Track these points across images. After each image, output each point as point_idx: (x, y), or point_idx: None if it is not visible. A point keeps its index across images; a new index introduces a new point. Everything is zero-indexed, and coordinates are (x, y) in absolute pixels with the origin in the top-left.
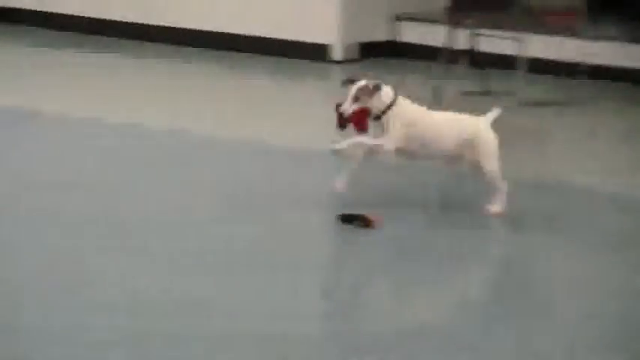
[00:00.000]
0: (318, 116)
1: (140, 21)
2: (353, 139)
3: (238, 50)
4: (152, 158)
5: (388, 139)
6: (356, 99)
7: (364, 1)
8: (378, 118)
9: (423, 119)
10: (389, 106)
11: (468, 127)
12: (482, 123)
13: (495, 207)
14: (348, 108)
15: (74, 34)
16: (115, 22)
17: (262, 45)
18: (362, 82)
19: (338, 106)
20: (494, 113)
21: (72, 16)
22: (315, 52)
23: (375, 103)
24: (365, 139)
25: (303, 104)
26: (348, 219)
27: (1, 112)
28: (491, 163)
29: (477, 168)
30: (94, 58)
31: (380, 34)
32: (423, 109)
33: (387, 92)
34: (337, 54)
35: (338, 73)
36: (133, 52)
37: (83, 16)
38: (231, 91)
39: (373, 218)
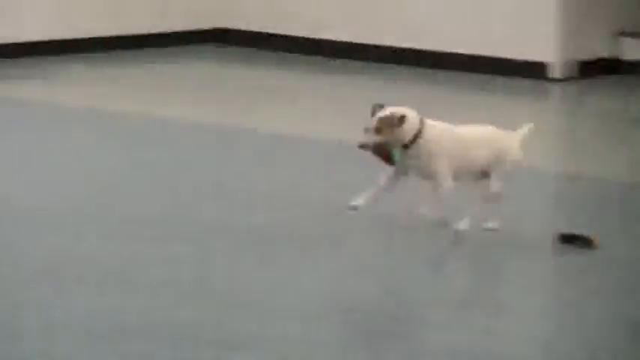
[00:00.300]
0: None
1: (363, 41)
2: (428, 201)
3: (449, 69)
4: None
5: (442, 178)
6: (378, 130)
7: (585, 16)
8: (405, 147)
9: (458, 139)
10: (416, 135)
11: (500, 142)
12: (513, 139)
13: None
14: (369, 141)
15: (299, 55)
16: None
17: (474, 62)
18: (385, 112)
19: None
20: (525, 129)
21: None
22: (531, 70)
23: (400, 136)
24: (436, 199)
25: (520, 123)
26: (568, 239)
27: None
28: (500, 183)
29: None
30: (341, 80)
31: (601, 51)
32: (451, 127)
33: (412, 119)
34: (556, 72)
35: (557, 92)
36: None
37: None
38: (444, 109)
39: (593, 238)
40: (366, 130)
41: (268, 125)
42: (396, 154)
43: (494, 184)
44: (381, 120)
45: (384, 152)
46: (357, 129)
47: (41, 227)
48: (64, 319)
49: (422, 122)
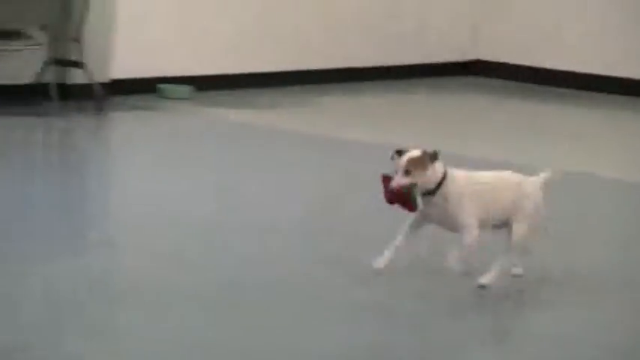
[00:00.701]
0: None
1: None
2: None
3: None
4: None
5: (468, 227)
6: (407, 172)
7: None
8: (429, 193)
9: (482, 185)
10: (441, 182)
11: (521, 187)
12: (532, 184)
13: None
14: (399, 181)
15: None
16: None
17: None
18: (416, 152)
19: (386, 178)
20: (546, 175)
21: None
22: None
23: (431, 178)
24: (462, 251)
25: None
26: None
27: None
28: (523, 230)
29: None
30: None
31: None
32: (473, 173)
33: (436, 164)
34: None
35: None
36: None
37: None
38: None
39: None
40: (386, 178)
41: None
42: (419, 199)
43: (517, 231)
44: (412, 160)
45: (406, 198)
46: None
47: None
48: None
49: (445, 167)
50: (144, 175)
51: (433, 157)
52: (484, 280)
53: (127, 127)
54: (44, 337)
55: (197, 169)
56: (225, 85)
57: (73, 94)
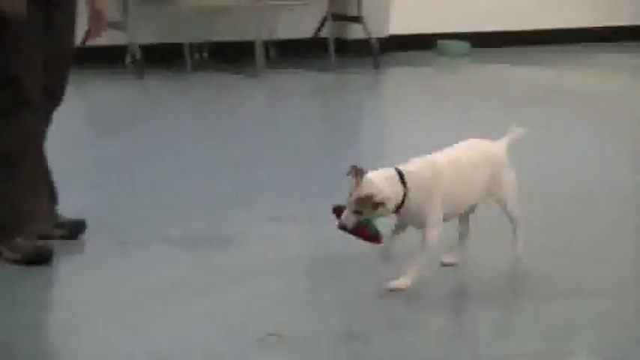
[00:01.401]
0: None
1: None
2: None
3: None
4: None
5: (431, 229)
6: (356, 212)
7: None
8: (396, 211)
9: (448, 176)
10: (403, 199)
11: (491, 159)
12: (500, 149)
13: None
14: (348, 222)
15: None
16: None
17: None
18: (363, 192)
19: (337, 210)
20: (513, 134)
21: None
22: None
23: (386, 208)
24: (419, 261)
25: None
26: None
27: None
28: (514, 201)
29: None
30: None
31: None
32: (433, 161)
33: (392, 184)
34: None
35: None
36: None
37: None
38: None
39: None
40: (337, 209)
41: None
42: (380, 223)
43: (512, 209)
44: (359, 201)
45: (363, 232)
46: None
47: None
48: None
49: (403, 178)
50: (419, 130)
51: (382, 203)
52: (523, 258)
53: (404, 83)
54: None
55: (478, 124)
56: (503, 42)
57: (350, 49)
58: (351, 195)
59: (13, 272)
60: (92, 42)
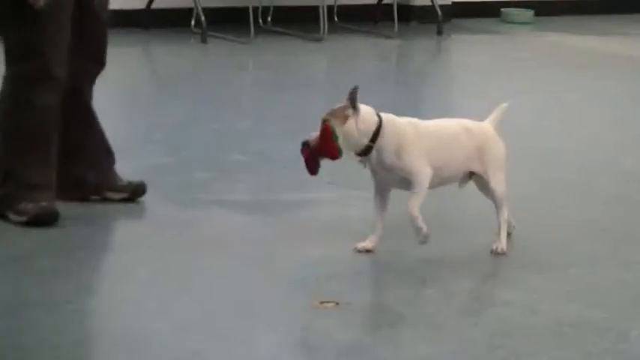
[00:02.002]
0: None
1: None
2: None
3: None
4: None
5: (418, 171)
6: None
7: None
8: (365, 153)
9: (432, 135)
10: (375, 134)
11: (474, 131)
12: (488, 126)
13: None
14: (314, 134)
15: None
16: None
17: None
18: (335, 107)
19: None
20: (499, 111)
21: None
22: None
23: (356, 132)
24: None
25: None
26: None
27: None
28: (498, 179)
29: (481, 185)
30: None
31: None
32: (416, 120)
33: (367, 114)
34: None
35: None
36: None
37: None
38: None
39: None
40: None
41: None
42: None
43: (492, 184)
44: (333, 111)
45: (324, 143)
46: None
47: None
48: None
49: (379, 116)
50: (479, 97)
51: (352, 100)
52: (498, 246)
53: (467, 50)
54: None
55: (539, 94)
56: (568, 10)
57: (414, 15)
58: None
59: (72, 236)
60: (158, 4)
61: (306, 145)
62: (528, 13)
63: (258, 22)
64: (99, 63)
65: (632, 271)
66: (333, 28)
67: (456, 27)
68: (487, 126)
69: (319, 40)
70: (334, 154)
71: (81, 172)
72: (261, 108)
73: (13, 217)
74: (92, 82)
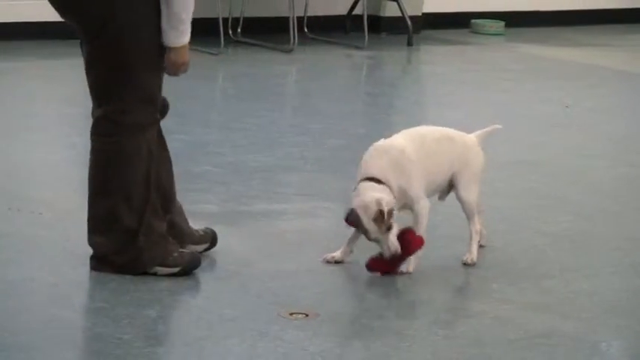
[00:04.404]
0: None
1: None
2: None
3: None
4: None
5: (418, 202)
6: (389, 228)
7: None
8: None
9: (413, 150)
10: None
11: (455, 139)
12: (472, 138)
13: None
14: (394, 243)
15: None
16: None
17: None
18: (370, 211)
19: (375, 261)
20: (490, 129)
21: None
22: None
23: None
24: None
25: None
26: None
27: None
28: (470, 190)
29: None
30: None
31: None
32: (391, 144)
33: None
34: None
35: None
36: None
37: None
38: None
39: None
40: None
41: None
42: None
43: (464, 193)
44: (377, 220)
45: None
46: None
47: None
48: None
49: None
50: (450, 107)
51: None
52: (469, 257)
53: (437, 61)
54: None
55: (510, 105)
56: (539, 21)
57: (385, 26)
58: (370, 230)
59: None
60: None
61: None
62: (499, 25)
63: (228, 33)
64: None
65: (604, 282)
66: (303, 39)
67: (427, 38)
68: (471, 137)
69: (289, 51)
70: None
71: (177, 220)
72: (231, 119)
73: (162, 270)
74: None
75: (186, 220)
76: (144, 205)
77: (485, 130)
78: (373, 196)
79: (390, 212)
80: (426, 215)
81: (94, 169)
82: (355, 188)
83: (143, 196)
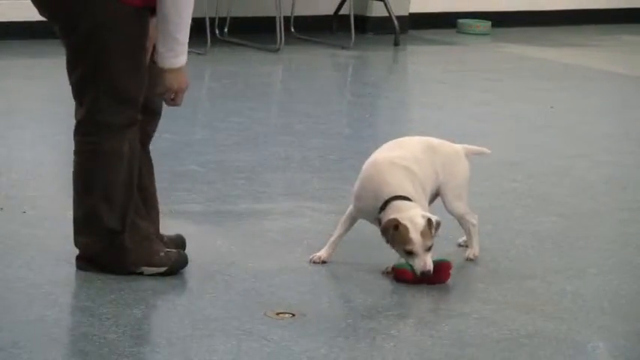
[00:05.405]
0: None
1: None
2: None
3: None
4: None
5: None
6: (429, 248)
7: None
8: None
9: (415, 167)
10: None
11: (439, 149)
12: (457, 147)
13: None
14: (430, 263)
15: None
16: None
17: None
18: (420, 224)
19: (401, 272)
20: (478, 148)
21: None
22: None
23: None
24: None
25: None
26: None
27: None
28: (455, 198)
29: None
30: None
31: None
32: (389, 159)
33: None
34: None
35: None
36: None
37: None
38: None
39: None
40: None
41: None
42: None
43: (451, 206)
44: (425, 235)
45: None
46: None
47: None
48: None
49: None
50: (436, 108)
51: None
52: (471, 252)
53: (424, 61)
54: None
55: (496, 105)
56: (525, 22)
57: (371, 26)
58: (412, 242)
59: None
60: None
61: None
62: (485, 25)
63: (215, 33)
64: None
65: (587, 282)
66: (290, 39)
67: (413, 38)
68: (456, 147)
69: (276, 50)
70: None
71: (155, 224)
72: (217, 118)
73: (148, 270)
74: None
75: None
76: (126, 206)
77: (474, 147)
78: (417, 211)
79: (438, 225)
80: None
81: (76, 169)
82: (383, 209)
83: (125, 197)
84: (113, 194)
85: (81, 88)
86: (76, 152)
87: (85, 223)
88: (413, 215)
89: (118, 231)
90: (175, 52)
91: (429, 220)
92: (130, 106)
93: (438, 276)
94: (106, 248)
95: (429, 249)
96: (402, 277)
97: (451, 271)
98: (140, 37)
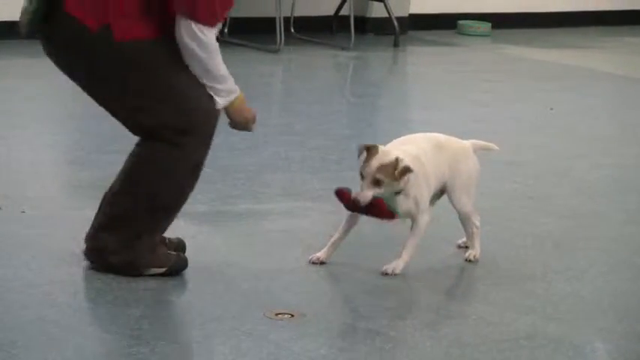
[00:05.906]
0: None
1: None
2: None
3: None
4: None
5: (421, 212)
6: (377, 182)
7: None
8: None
9: (425, 159)
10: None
11: (447, 146)
12: (466, 144)
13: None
14: (365, 197)
15: None
16: None
17: None
18: (388, 156)
19: (342, 192)
20: (487, 144)
21: None
22: None
23: (400, 184)
24: (412, 243)
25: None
26: None
27: None
28: (463, 197)
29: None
30: None
31: None
32: (404, 149)
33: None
34: None
35: None
36: None
37: None
38: None
39: None
40: (342, 192)
41: None
42: (391, 202)
43: (458, 204)
44: (382, 168)
45: (380, 206)
46: None
47: None
48: None
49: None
50: (436, 108)
51: (407, 169)
52: (471, 253)
53: (423, 62)
54: None
55: (495, 106)
56: (525, 23)
57: (371, 27)
58: (367, 167)
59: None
60: None
61: (353, 208)
62: (485, 26)
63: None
64: None
65: (587, 284)
66: (290, 40)
67: (413, 39)
68: (464, 144)
69: (276, 51)
70: (393, 218)
71: None
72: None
73: (149, 271)
74: None
75: None
76: (160, 218)
77: (483, 142)
78: (397, 152)
79: (404, 170)
80: (424, 230)
81: (131, 169)
82: None
83: (164, 210)
84: (157, 206)
85: (138, 132)
86: (140, 154)
87: (116, 221)
88: (389, 149)
89: (140, 235)
90: (220, 95)
91: (397, 160)
92: (192, 134)
93: (375, 211)
94: (120, 249)
95: (377, 183)
96: (341, 197)
97: (396, 219)
98: (166, 66)
